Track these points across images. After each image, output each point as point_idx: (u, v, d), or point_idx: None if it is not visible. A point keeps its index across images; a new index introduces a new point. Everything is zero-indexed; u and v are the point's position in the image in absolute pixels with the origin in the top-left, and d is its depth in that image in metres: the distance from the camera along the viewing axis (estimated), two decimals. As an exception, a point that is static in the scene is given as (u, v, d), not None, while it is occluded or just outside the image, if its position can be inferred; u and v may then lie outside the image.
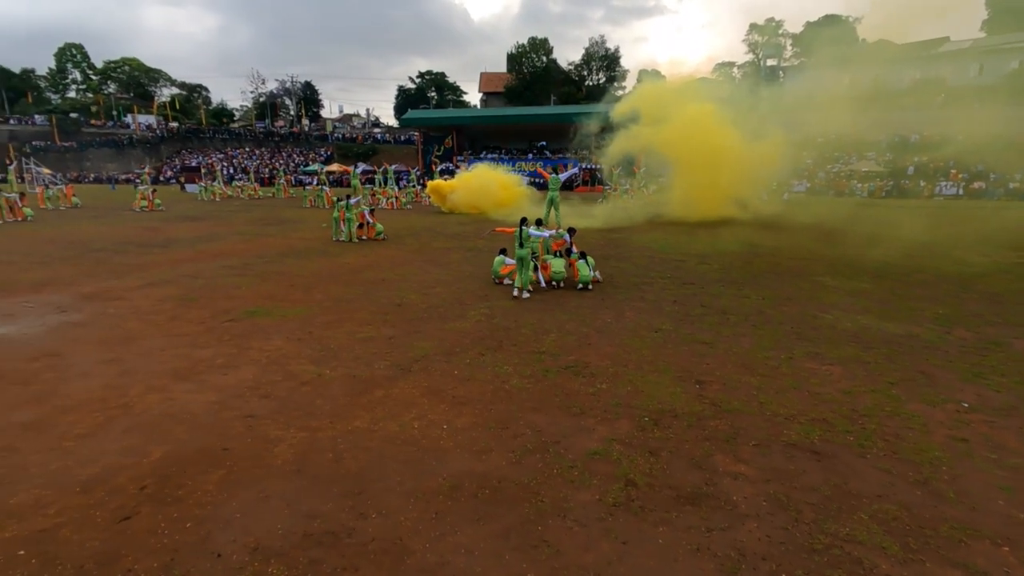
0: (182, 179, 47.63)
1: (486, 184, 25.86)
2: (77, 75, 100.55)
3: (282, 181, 41.92)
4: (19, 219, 22.59)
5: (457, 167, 54.89)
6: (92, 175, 64.92)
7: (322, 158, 66.88)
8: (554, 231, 11.47)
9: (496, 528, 3.53)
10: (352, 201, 16.75)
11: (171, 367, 6.25)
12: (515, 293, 9.61)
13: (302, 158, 68.28)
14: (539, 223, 10.58)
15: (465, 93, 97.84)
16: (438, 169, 52.79)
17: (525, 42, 75.20)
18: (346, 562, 3.22)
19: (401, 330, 7.67)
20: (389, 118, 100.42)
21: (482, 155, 54.82)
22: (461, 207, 25.73)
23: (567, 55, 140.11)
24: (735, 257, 13.53)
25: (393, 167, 47.61)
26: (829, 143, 47.77)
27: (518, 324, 7.96)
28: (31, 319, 8.19)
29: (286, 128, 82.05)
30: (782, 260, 13.09)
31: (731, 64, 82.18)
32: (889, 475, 4.13)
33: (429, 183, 29.32)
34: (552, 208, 16.53)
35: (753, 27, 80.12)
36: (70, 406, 5.25)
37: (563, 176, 16.93)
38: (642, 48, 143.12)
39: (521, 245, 9.52)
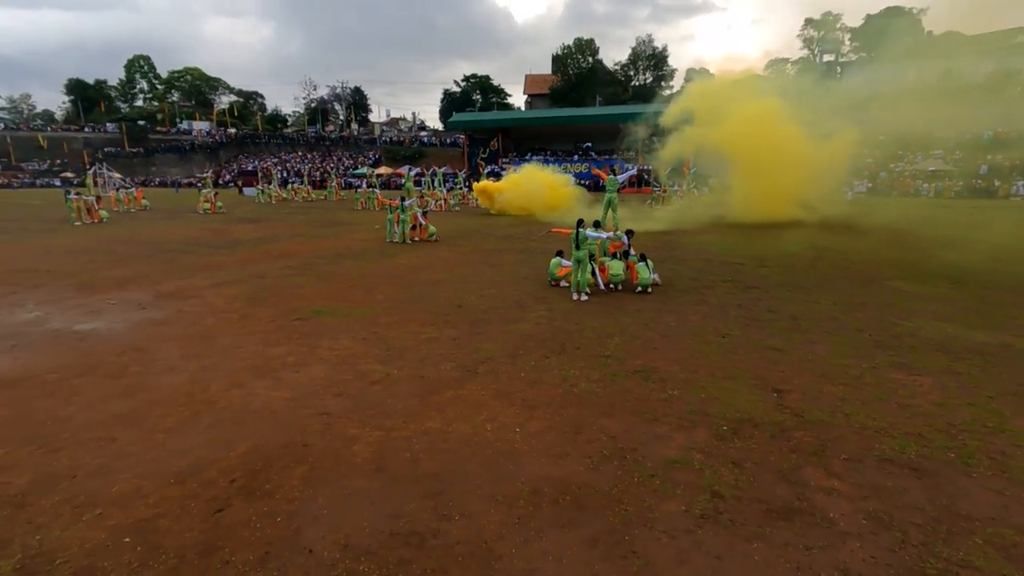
0: (240, 183, 49.68)
1: (535, 185, 25.83)
2: (144, 85, 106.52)
3: (334, 184, 43.08)
4: (95, 220, 24.04)
5: (503, 169, 55.17)
6: (157, 179, 68.49)
7: (370, 161, 68.53)
8: (611, 233, 11.31)
9: (582, 536, 3.46)
10: (407, 203, 17.01)
11: (248, 364, 6.46)
12: (573, 296, 9.52)
13: (351, 161, 70.09)
14: (596, 225, 10.41)
15: (510, 95, 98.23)
16: (485, 171, 53.18)
17: (571, 43, 74.99)
18: (435, 564, 3.22)
19: (463, 331, 7.70)
20: (434, 121, 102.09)
21: (527, 157, 54.85)
22: (509, 209, 25.78)
23: (612, 55, 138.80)
24: (798, 260, 13.01)
25: (442, 169, 48.15)
26: (891, 141, 45.43)
27: (580, 327, 7.87)
28: (115, 315, 8.66)
29: (336, 132, 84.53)
30: (849, 264, 12.50)
31: (785, 60, 79.57)
32: (1001, 496, 3.84)
33: (476, 185, 29.42)
34: (609, 209, 16.34)
35: (808, 22, 77.28)
36: (158, 399, 5.49)
37: (621, 177, 16.58)
38: (689, 46, 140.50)
39: (578, 247, 9.42)
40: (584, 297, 9.48)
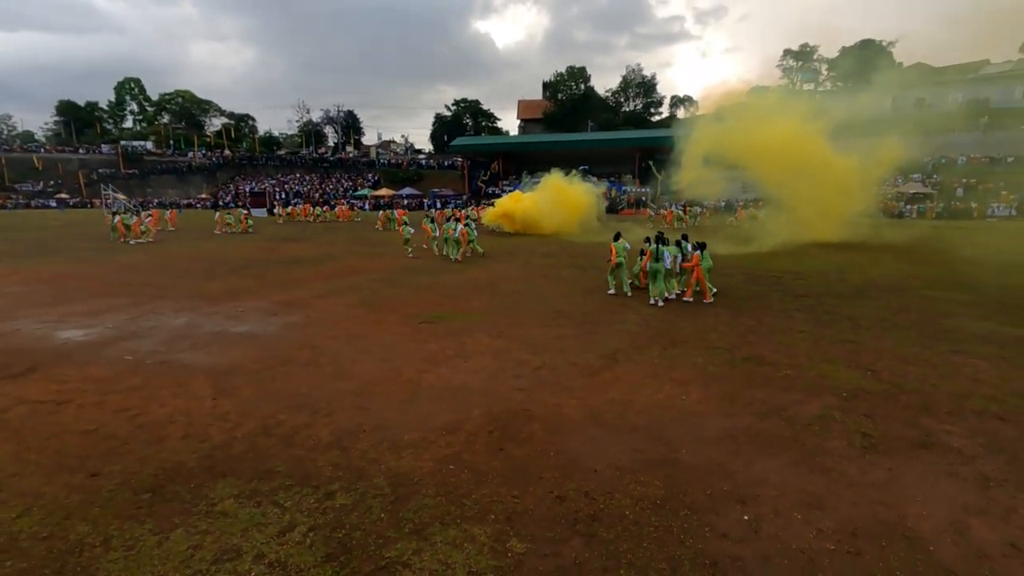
0: (248, 203, 50.38)
1: (559, 200, 26.79)
2: (135, 107, 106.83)
3: (345, 205, 44.28)
4: (138, 239, 24.78)
5: (502, 191, 56.78)
6: (156, 200, 68.66)
7: (369, 183, 69.71)
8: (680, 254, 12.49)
9: (784, 459, 4.71)
10: (463, 226, 18.26)
11: (418, 356, 7.61)
12: (651, 301, 10.84)
13: (350, 183, 71.17)
14: (681, 242, 11.76)
15: (499, 119, 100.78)
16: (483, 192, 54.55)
17: (563, 71, 77.83)
18: (689, 476, 4.43)
19: (579, 331, 8.95)
20: (423, 144, 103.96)
21: (527, 178, 56.60)
22: (533, 228, 26.86)
23: (599, 82, 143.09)
24: (828, 274, 14.54)
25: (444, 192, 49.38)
26: (874, 165, 48.15)
27: (675, 327, 9.17)
28: (258, 321, 9.72)
29: (330, 154, 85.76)
30: (877, 276, 14.06)
31: (765, 88, 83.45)
32: (1073, 433, 5.20)
33: (491, 212, 29.43)
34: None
35: (787, 52, 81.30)
36: (371, 381, 6.62)
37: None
38: (668, 73, 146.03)
39: (657, 259, 10.78)
40: (660, 303, 10.82)
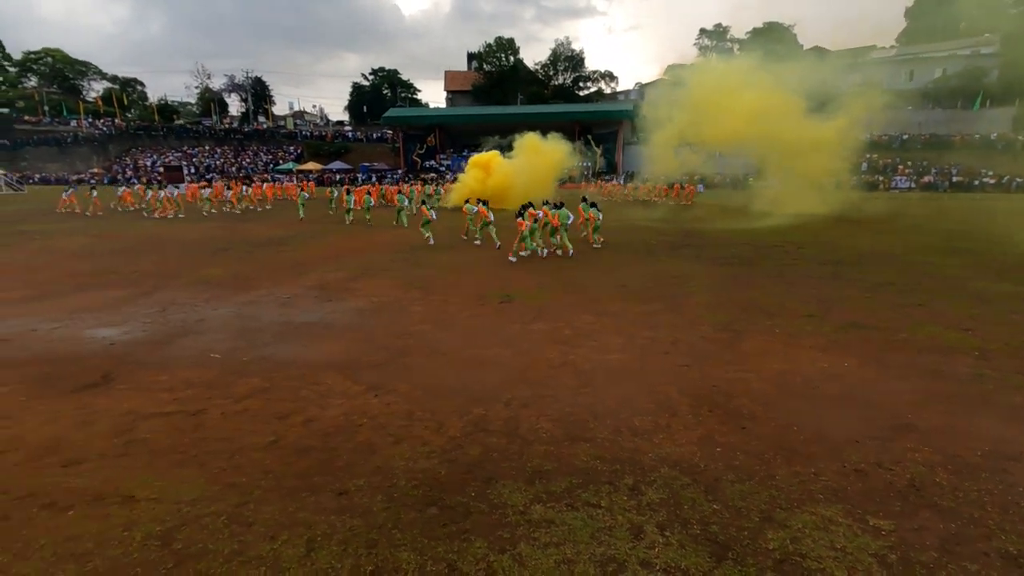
0: (163, 180, 45.06)
1: (534, 167, 25.20)
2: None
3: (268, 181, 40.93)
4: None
5: (440, 165, 55.34)
6: (37, 176, 59.95)
7: (292, 156, 65.21)
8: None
9: (997, 417, 4.98)
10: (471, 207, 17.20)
11: (535, 339, 7.23)
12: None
13: (270, 156, 66.18)
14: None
15: (419, 91, 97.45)
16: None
17: (492, 42, 76.44)
18: (944, 439, 4.57)
19: (661, 304, 8.94)
20: (336, 114, 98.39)
21: (464, 153, 55.50)
22: (501, 200, 25.38)
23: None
24: (819, 245, 15.56)
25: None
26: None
27: (744, 296, 9.41)
28: (317, 309, 8.78)
29: (236, 124, 79.05)
30: (863, 247, 15.26)
31: (681, 66, 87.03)
32: None
33: (456, 190, 26.66)
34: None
35: (703, 31, 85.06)
36: (519, 368, 6.19)
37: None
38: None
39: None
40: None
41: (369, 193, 23.00)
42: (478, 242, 15.69)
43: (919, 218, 23.86)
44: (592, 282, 10.73)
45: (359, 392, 5.52)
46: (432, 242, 15.69)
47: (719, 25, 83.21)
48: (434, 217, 15.79)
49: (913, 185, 42.27)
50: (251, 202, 29.94)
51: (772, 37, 72.25)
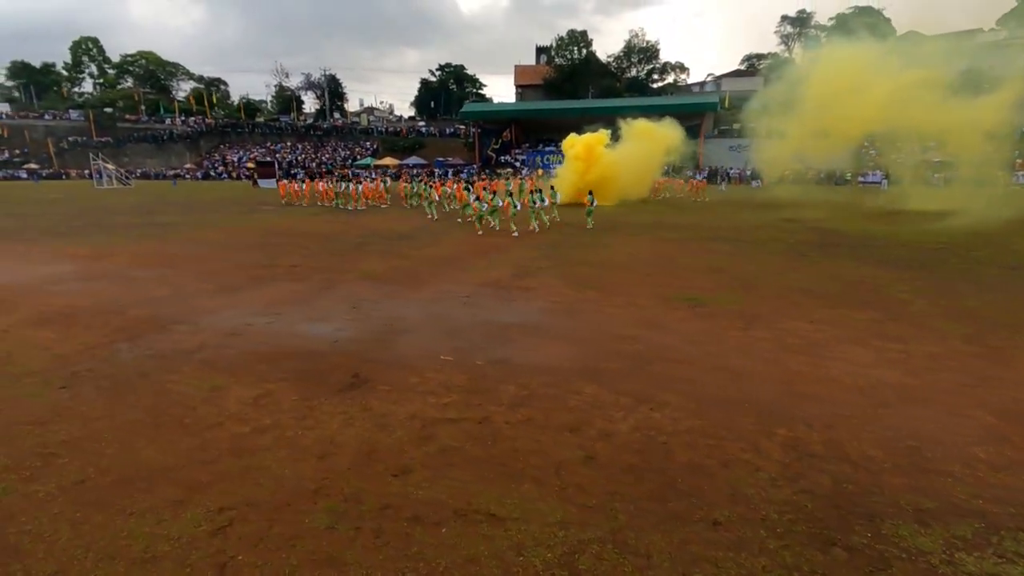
0: (255, 174, 47.18)
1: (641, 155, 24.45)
2: (93, 69, 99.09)
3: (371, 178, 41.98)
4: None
5: (516, 160, 55.27)
6: (138, 170, 64.27)
7: (369, 151, 66.89)
8: None
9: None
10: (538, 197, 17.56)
11: (768, 347, 6.76)
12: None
13: (348, 152, 68.15)
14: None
15: (485, 85, 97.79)
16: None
17: (564, 35, 75.61)
18: None
19: (882, 315, 8.20)
20: (402, 109, 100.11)
21: (540, 148, 55.24)
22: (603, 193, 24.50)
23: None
24: (990, 247, 14.23)
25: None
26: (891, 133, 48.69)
27: (973, 311, 8.57)
28: (506, 308, 8.64)
29: (312, 121, 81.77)
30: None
31: (760, 56, 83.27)
32: None
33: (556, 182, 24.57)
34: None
35: (785, 19, 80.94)
36: (782, 381, 5.75)
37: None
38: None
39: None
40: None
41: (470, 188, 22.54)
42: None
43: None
44: (761, 283, 10.15)
45: (629, 404, 5.23)
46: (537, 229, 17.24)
47: (802, 11, 79.06)
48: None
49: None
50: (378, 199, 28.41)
51: (863, 23, 67.97)
